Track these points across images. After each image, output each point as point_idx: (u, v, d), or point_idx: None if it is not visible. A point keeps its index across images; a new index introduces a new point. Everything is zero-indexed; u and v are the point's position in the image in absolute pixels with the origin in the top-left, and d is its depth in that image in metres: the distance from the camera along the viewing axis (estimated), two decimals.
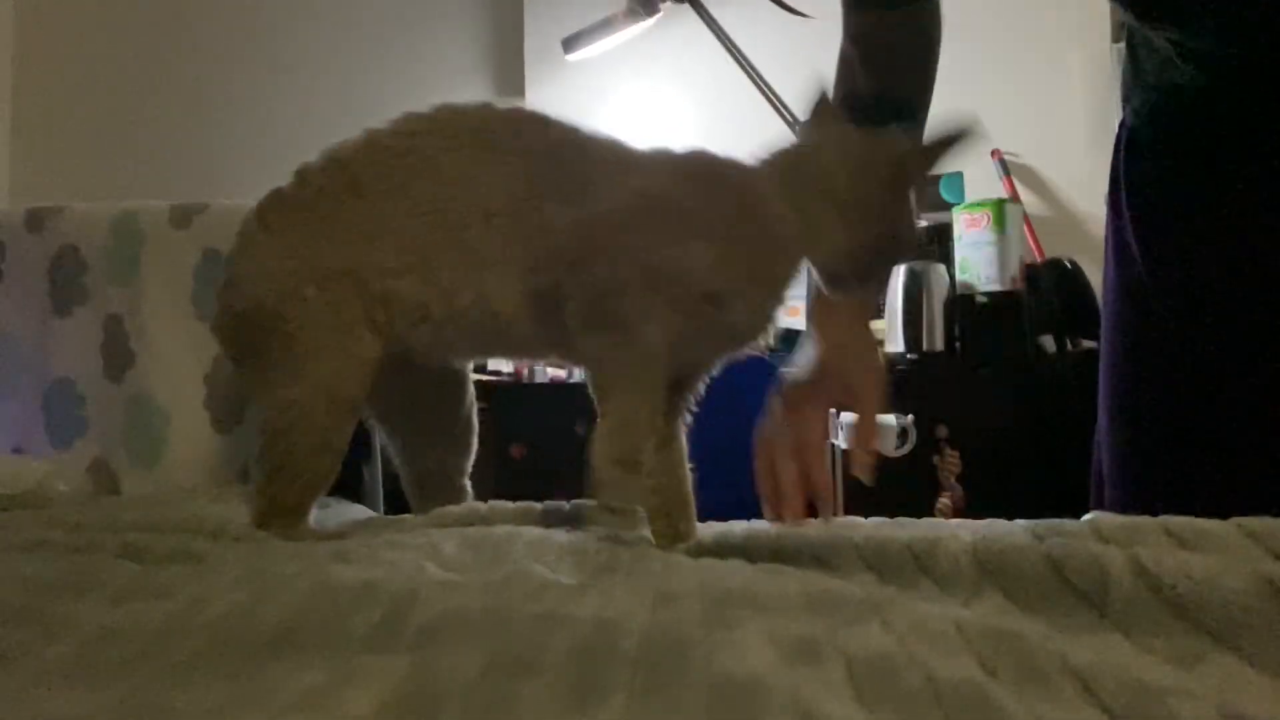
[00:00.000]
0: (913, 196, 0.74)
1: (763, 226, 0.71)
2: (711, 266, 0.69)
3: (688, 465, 0.79)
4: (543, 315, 0.72)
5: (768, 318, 0.74)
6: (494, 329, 0.74)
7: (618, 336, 0.68)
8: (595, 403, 0.70)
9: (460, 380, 0.88)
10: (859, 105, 0.80)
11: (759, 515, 0.91)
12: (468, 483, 0.90)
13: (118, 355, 1.08)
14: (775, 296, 0.74)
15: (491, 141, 0.74)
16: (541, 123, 0.76)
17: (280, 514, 0.72)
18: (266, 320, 0.72)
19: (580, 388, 0.74)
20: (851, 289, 0.76)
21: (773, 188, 0.72)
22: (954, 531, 0.47)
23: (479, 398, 0.91)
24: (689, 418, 0.80)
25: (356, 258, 0.72)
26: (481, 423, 0.91)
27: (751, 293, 0.72)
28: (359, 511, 0.95)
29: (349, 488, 1.01)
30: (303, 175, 0.77)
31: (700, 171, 0.74)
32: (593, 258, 0.69)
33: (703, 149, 0.77)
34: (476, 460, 0.90)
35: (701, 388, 0.79)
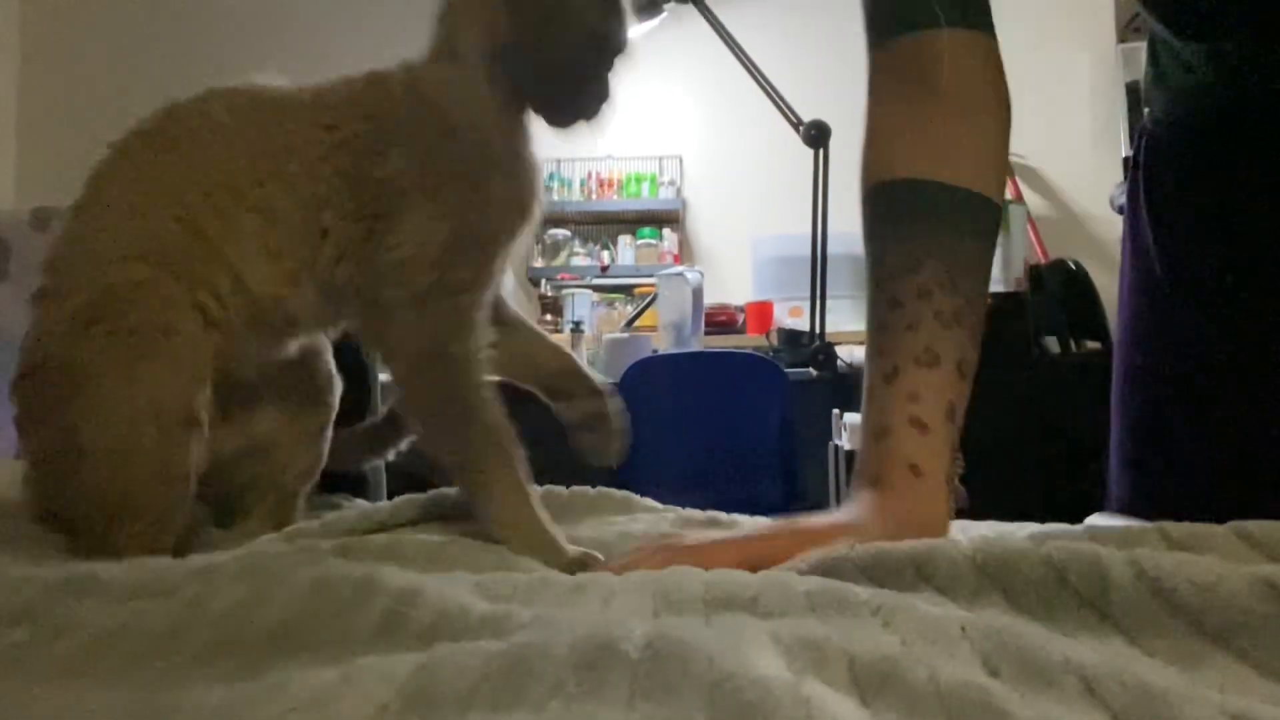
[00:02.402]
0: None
1: (455, 135, 0.68)
2: (442, 223, 0.65)
3: (542, 332, 0.78)
4: (321, 300, 0.69)
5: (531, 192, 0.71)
6: (281, 317, 0.70)
7: (448, 426, 0.65)
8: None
9: (330, 387, 0.81)
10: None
11: (762, 512, 0.91)
12: (303, 501, 0.81)
13: None
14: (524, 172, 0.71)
15: (177, 130, 0.71)
16: (219, 95, 0.72)
17: (138, 543, 0.63)
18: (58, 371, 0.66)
19: None
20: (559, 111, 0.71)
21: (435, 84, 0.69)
22: (952, 536, 0.47)
23: None
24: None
25: (124, 277, 0.66)
26: None
27: (506, 191, 0.69)
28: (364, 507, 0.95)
29: (354, 485, 1.01)
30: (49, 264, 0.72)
31: (374, 109, 0.69)
32: (364, 297, 0.66)
33: (375, 72, 0.73)
34: None
35: None
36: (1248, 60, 0.70)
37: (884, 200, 0.69)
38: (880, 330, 0.66)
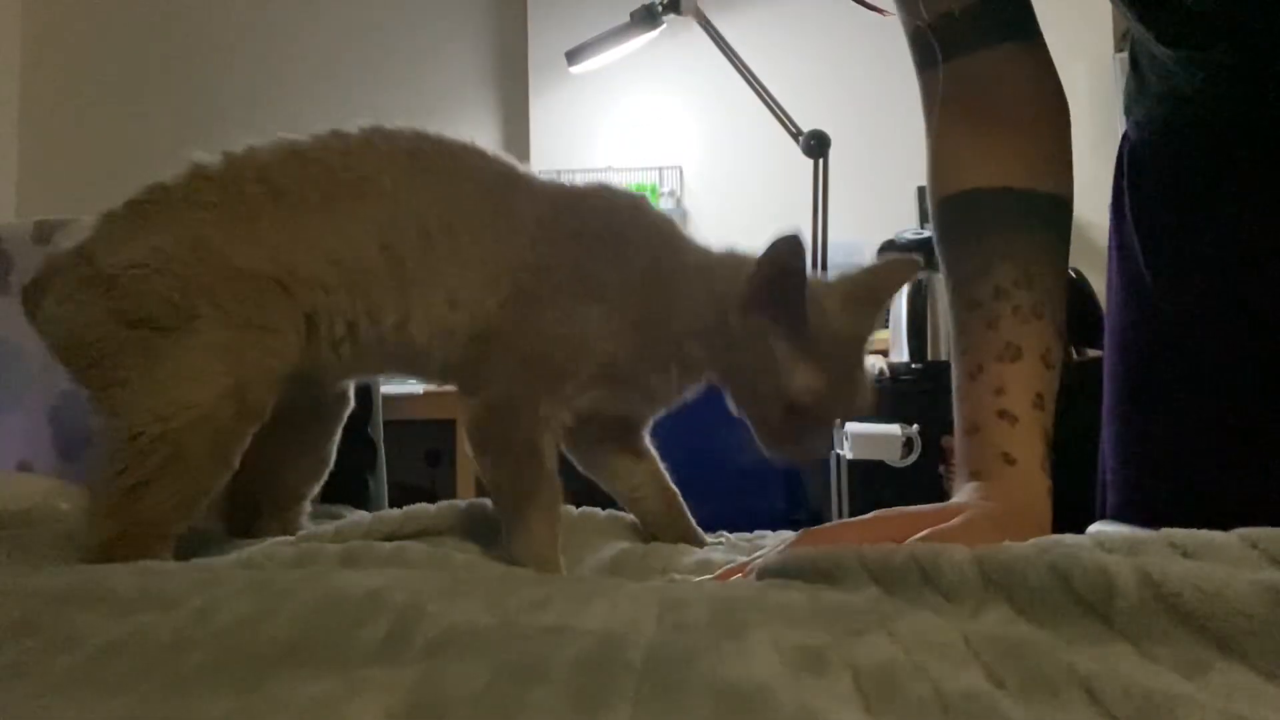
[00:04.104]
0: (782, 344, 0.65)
1: (663, 303, 0.70)
2: (607, 333, 0.69)
3: (664, 471, 0.80)
4: (458, 352, 0.71)
5: (677, 392, 0.74)
6: (409, 356, 0.72)
7: (510, 461, 0.68)
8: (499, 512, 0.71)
9: (343, 402, 0.84)
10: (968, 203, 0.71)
11: (764, 524, 0.91)
12: (309, 505, 0.84)
13: None
14: (679, 377, 0.73)
15: (428, 165, 0.72)
16: (476, 153, 0.75)
17: (142, 535, 0.64)
18: (164, 315, 0.66)
19: None
20: (772, 440, 0.69)
21: (689, 272, 0.71)
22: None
23: None
24: (650, 430, 0.81)
25: (281, 263, 0.68)
26: None
27: (647, 367, 0.71)
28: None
29: (354, 498, 1.01)
30: (198, 174, 0.71)
31: (622, 230, 0.73)
32: (494, 339, 0.69)
33: (641, 201, 0.76)
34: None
35: (652, 418, 0.80)
36: (1228, 68, 0.70)
37: (951, 211, 0.72)
38: (962, 332, 0.69)
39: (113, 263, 0.68)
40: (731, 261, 0.71)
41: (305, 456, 0.82)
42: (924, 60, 0.74)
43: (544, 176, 0.77)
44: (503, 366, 0.69)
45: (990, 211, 0.70)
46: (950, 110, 0.73)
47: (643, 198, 0.77)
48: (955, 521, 0.59)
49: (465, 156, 0.74)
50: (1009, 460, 0.64)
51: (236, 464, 0.68)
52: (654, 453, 0.81)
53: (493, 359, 0.70)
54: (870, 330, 0.70)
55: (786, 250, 0.63)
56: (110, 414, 0.66)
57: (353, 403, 0.84)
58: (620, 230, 0.73)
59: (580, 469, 0.81)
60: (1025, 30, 0.73)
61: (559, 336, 0.69)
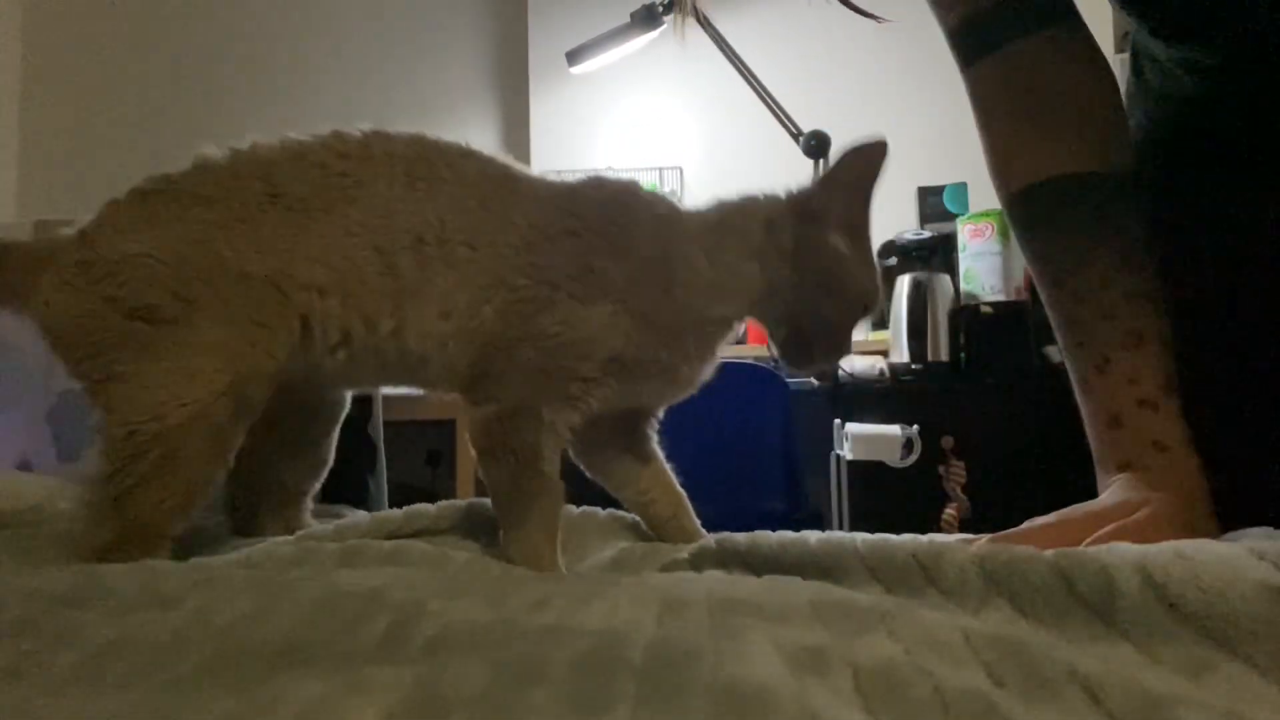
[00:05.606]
0: (841, 243, 0.70)
1: (674, 284, 0.71)
2: (615, 330, 0.69)
3: (671, 474, 0.81)
4: (457, 359, 0.71)
5: (698, 372, 0.74)
6: (406, 365, 0.72)
7: (513, 464, 0.68)
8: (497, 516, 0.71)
9: (340, 403, 0.83)
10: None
11: (756, 526, 0.91)
12: (310, 502, 0.84)
13: None
14: (699, 356, 0.73)
15: (425, 172, 0.72)
16: (475, 157, 0.75)
17: (140, 536, 0.64)
18: (163, 307, 0.66)
19: None
20: (800, 358, 0.73)
21: (695, 240, 0.72)
22: (959, 540, 0.47)
23: None
24: (657, 432, 0.81)
25: (275, 266, 0.68)
26: None
27: (667, 355, 0.71)
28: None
29: (355, 498, 1.01)
30: (204, 168, 0.71)
31: (619, 219, 0.73)
32: (497, 349, 0.69)
33: (633, 186, 0.76)
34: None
35: (660, 412, 0.80)
36: (1222, 69, 0.70)
37: (1029, 204, 0.73)
38: (1073, 325, 0.70)
39: (114, 250, 0.67)
40: (744, 206, 0.73)
41: (303, 456, 0.82)
42: (967, 58, 0.75)
43: (543, 176, 0.77)
44: (507, 376, 0.69)
45: (1071, 199, 0.71)
46: (1002, 102, 0.74)
47: (634, 182, 0.77)
48: (1141, 515, 0.59)
49: (463, 162, 0.74)
50: (1161, 448, 0.65)
51: (231, 461, 0.68)
52: (660, 455, 0.81)
53: (496, 369, 0.69)
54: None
55: (879, 151, 0.68)
56: (106, 410, 0.66)
57: (349, 404, 0.84)
58: (618, 220, 0.73)
59: (588, 474, 0.81)
60: (1064, 13, 0.73)
61: (562, 342, 0.68)
